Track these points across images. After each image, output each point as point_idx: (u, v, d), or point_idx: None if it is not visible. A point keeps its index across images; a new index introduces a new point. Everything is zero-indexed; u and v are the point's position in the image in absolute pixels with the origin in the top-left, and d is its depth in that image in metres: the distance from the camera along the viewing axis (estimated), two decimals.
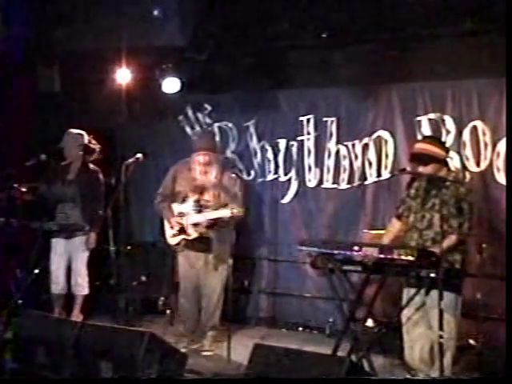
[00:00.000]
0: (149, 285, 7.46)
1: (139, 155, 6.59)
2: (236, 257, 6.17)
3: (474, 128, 6.34)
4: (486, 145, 6.30)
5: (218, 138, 7.57)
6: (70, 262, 7.02)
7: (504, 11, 5.40)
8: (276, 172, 7.42)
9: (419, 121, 6.58)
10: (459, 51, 6.31)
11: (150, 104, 7.74)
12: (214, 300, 6.37)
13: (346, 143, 7.03)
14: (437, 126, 6.49)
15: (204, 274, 6.38)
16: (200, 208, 6.27)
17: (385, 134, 6.81)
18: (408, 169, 5.71)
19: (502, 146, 6.18)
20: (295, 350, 4.69)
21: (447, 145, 5.97)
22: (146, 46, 6.90)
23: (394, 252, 4.94)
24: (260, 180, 7.52)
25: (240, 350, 5.80)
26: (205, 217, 6.21)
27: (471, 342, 5.82)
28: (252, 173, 7.55)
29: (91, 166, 7.11)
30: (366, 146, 6.91)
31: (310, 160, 7.23)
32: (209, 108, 7.74)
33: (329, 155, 7.12)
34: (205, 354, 6.29)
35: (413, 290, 5.23)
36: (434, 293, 4.98)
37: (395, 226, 5.70)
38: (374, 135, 6.86)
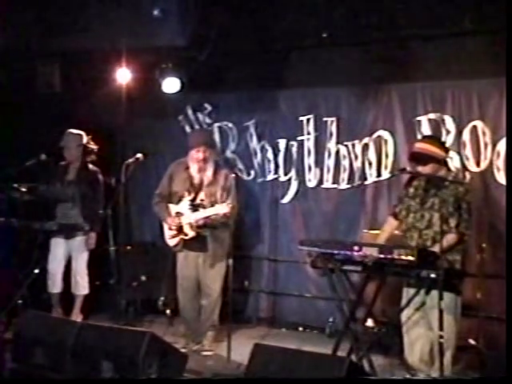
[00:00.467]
0: (149, 285, 7.45)
1: (139, 155, 6.59)
2: (236, 257, 6.16)
3: (474, 128, 6.34)
4: (485, 145, 6.30)
5: (217, 138, 7.60)
6: (69, 262, 7.03)
7: (504, 11, 5.39)
8: (276, 172, 7.42)
9: (419, 121, 6.58)
10: (459, 51, 6.31)
11: (150, 104, 7.74)
12: (213, 299, 6.37)
13: (345, 143, 7.03)
14: (437, 125, 6.49)
15: (202, 274, 6.38)
16: (196, 207, 6.26)
17: (385, 134, 6.81)
18: (408, 168, 5.70)
19: (501, 145, 6.18)
20: (295, 350, 4.70)
21: (447, 145, 5.98)
22: (145, 46, 6.90)
23: (394, 252, 4.93)
24: (260, 180, 7.52)
25: (240, 350, 5.77)
26: (201, 215, 6.20)
27: (471, 341, 5.83)
28: (252, 173, 7.55)
29: (91, 166, 7.12)
30: (365, 146, 6.91)
31: (309, 160, 7.23)
32: (209, 108, 7.74)
33: (329, 155, 7.12)
34: (205, 353, 6.29)
35: (413, 290, 5.23)
36: (434, 293, 4.99)
37: (391, 224, 5.70)
38: (374, 135, 6.86)
